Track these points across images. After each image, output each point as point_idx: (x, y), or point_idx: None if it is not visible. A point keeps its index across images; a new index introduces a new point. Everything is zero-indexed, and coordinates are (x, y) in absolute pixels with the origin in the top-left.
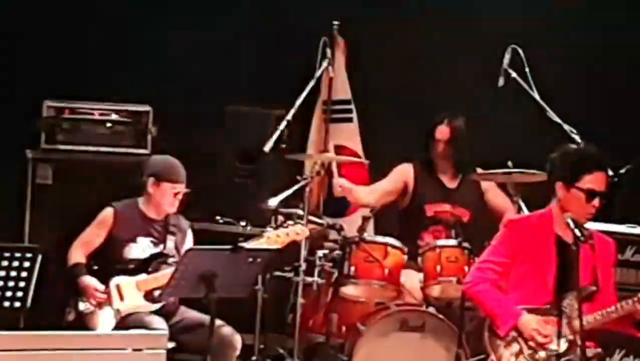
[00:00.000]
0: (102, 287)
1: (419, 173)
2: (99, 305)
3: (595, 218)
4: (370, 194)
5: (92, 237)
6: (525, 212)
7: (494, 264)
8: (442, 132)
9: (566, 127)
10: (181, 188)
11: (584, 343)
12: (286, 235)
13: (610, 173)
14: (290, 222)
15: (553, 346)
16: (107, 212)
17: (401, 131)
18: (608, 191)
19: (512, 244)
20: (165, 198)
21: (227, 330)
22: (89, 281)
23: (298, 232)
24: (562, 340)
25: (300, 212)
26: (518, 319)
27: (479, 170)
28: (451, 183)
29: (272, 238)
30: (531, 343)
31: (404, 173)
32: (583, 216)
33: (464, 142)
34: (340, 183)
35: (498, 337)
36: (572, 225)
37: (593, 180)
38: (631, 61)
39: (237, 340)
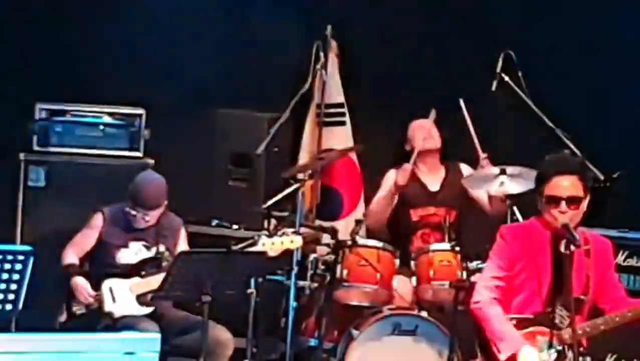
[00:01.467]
0: (92, 291)
1: None
2: (90, 307)
3: (588, 223)
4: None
5: (84, 239)
6: (518, 216)
7: (499, 280)
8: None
9: (559, 131)
10: (149, 214)
11: (576, 354)
12: (280, 243)
13: (602, 178)
14: (284, 230)
15: (544, 356)
16: (97, 218)
17: (394, 135)
18: (582, 194)
19: (510, 254)
20: (137, 219)
21: (219, 330)
22: (80, 282)
23: (292, 241)
24: (552, 351)
25: (293, 215)
26: (519, 350)
27: (465, 172)
28: (433, 186)
29: (266, 246)
30: None
31: (391, 180)
32: (554, 222)
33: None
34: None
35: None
36: (565, 231)
37: (552, 186)
38: (624, 65)
39: (229, 340)
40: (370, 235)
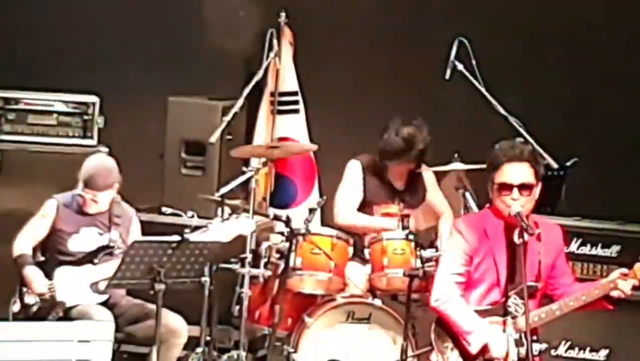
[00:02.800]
0: (45, 280)
1: (367, 173)
2: (43, 296)
3: (541, 211)
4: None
5: (36, 228)
6: (472, 203)
7: (459, 275)
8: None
9: (512, 119)
10: (99, 195)
11: (530, 341)
12: (233, 228)
13: (556, 166)
14: (237, 215)
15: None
16: (50, 204)
17: (348, 123)
18: (534, 181)
19: (468, 248)
20: (87, 202)
21: (173, 319)
22: (33, 272)
23: (245, 225)
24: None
25: (246, 203)
26: (489, 340)
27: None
28: (399, 184)
29: (218, 231)
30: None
31: (357, 173)
32: (507, 211)
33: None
34: None
35: (445, 340)
36: (518, 218)
37: (503, 174)
38: (581, 53)
39: (183, 328)
40: (325, 224)
